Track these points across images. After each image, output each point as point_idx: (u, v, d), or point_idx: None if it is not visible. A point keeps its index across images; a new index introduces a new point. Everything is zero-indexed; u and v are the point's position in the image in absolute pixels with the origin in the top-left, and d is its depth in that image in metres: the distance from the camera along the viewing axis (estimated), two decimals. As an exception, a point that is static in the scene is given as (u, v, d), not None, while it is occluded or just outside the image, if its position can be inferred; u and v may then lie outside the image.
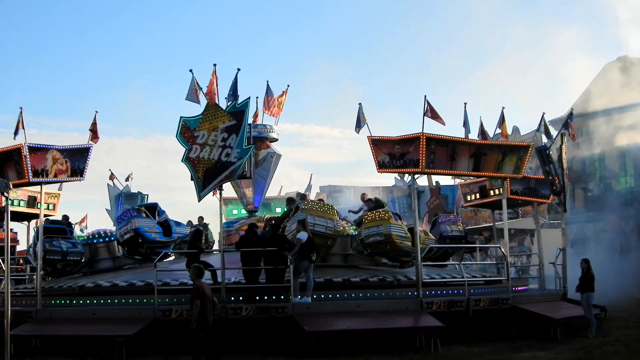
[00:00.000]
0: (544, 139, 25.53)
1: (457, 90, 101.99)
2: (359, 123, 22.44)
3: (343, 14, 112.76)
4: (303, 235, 20.11)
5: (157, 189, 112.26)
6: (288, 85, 29.16)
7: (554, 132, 24.71)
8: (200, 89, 21.82)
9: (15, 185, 20.80)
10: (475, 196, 27.99)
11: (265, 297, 19.94)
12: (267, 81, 28.51)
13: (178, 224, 27.02)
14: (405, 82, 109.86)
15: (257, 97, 28.27)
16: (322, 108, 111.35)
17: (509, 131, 25.34)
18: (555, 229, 34.85)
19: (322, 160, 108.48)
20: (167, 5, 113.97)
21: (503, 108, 24.55)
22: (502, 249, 23.34)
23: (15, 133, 21.85)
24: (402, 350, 18.35)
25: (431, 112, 21.58)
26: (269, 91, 28.33)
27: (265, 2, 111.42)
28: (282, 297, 19.98)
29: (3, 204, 19.60)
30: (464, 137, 23.02)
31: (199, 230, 21.35)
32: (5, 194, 14.67)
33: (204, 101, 21.23)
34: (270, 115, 28.69)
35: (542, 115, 24.73)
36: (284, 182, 62.92)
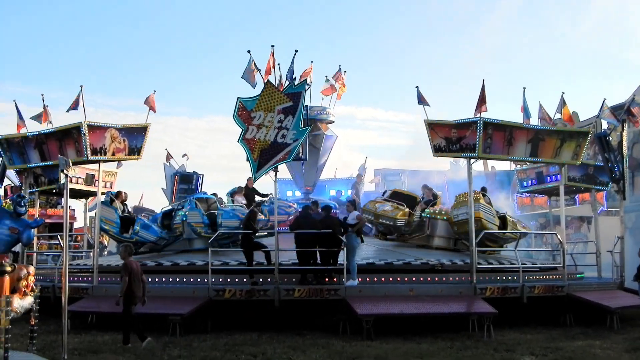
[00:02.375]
0: (604, 125, 25.10)
1: (516, 74, 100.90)
2: (421, 102, 22.09)
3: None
4: (355, 213, 20.54)
5: (211, 169, 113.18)
6: (339, 66, 29.24)
7: (614, 119, 24.16)
8: (258, 70, 21.84)
9: (74, 163, 21.10)
10: (532, 182, 27.69)
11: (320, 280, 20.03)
12: (340, 65, 28.72)
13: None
14: (463, 66, 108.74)
15: (326, 76, 28.38)
16: (377, 90, 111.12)
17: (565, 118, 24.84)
18: (613, 216, 34.22)
19: (376, 143, 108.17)
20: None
21: (563, 93, 24.15)
22: (559, 236, 23.04)
23: (72, 109, 22.03)
24: (454, 335, 18.25)
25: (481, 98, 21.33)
26: (336, 74, 28.46)
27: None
28: (334, 279, 20.02)
29: (62, 182, 19.87)
30: (522, 122, 22.70)
31: (254, 212, 21.38)
32: (65, 171, 14.82)
33: (259, 83, 21.28)
34: (337, 97, 28.85)
35: (603, 101, 24.32)
36: (338, 165, 62.79)
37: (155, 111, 22.96)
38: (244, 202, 25.86)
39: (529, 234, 28.69)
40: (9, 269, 13.64)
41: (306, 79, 20.54)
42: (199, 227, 23.87)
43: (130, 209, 26.24)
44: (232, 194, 26.71)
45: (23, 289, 13.77)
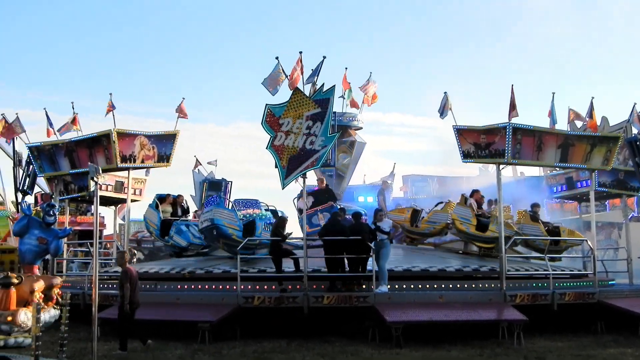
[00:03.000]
0: (635, 130, 24.86)
1: (545, 79, 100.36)
2: (443, 110, 22.10)
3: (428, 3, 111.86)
4: (389, 222, 20.58)
5: (239, 176, 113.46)
6: (370, 74, 29.11)
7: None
8: (287, 76, 21.86)
9: (104, 171, 21.23)
10: (562, 188, 27.50)
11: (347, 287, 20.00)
12: (370, 73, 28.68)
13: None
14: (490, 71, 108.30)
15: (346, 91, 28.25)
16: (404, 96, 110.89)
17: (598, 122, 24.64)
18: (644, 222, 33.89)
19: (404, 148, 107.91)
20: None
21: (592, 98, 23.93)
22: (589, 243, 22.84)
23: (108, 113, 22.22)
24: (484, 343, 18.14)
25: (512, 103, 21.23)
26: (368, 80, 28.41)
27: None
28: (363, 286, 19.97)
29: (92, 189, 20.00)
30: (549, 127, 22.57)
31: (283, 219, 21.38)
32: (95, 179, 14.91)
33: (283, 90, 21.31)
34: (368, 105, 28.81)
35: (633, 106, 24.07)
36: (366, 171, 62.73)
37: (187, 117, 23.06)
38: (171, 210, 25.70)
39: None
40: (15, 280, 13.56)
41: (334, 85, 20.43)
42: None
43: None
44: (159, 199, 26.09)
45: (37, 300, 13.60)
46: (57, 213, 15.32)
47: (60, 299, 14.38)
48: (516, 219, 24.27)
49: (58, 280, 14.53)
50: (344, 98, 28.07)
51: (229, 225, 22.11)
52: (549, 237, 23.55)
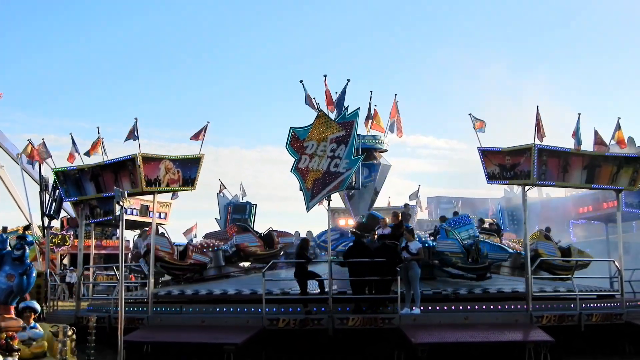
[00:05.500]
0: (661, 150, 24.69)
1: (569, 100, 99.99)
2: (476, 131, 21.92)
3: (453, 23, 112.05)
4: (418, 244, 20.39)
5: (264, 199, 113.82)
6: (395, 94, 29.01)
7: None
8: (313, 99, 21.88)
9: (130, 195, 21.32)
10: (588, 208, 27.33)
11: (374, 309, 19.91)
12: (395, 94, 28.56)
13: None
14: (514, 92, 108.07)
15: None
16: (428, 118, 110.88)
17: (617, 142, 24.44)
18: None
19: (427, 170, 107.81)
20: (276, 17, 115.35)
21: (619, 118, 23.76)
22: (616, 263, 22.66)
23: (128, 139, 22.28)
24: (511, 365, 18.02)
25: (539, 123, 21.17)
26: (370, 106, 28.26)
27: (370, 13, 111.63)
28: (389, 307, 19.90)
29: (118, 213, 20.08)
30: (574, 148, 22.44)
31: (306, 240, 21.40)
32: (121, 203, 14.95)
33: (307, 113, 21.34)
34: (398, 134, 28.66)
35: (660, 125, 23.93)
36: (390, 193, 62.73)
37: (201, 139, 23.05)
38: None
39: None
40: None
41: (358, 108, 20.44)
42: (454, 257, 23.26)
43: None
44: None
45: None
46: (27, 246, 14.53)
47: (10, 344, 13.43)
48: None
49: (15, 323, 13.74)
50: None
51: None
52: (571, 259, 23.52)
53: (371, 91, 27.54)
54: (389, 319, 19.23)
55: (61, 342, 13.68)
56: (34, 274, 14.31)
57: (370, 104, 27.16)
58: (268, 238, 27.04)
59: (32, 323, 14.72)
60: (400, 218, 22.94)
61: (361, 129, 24.71)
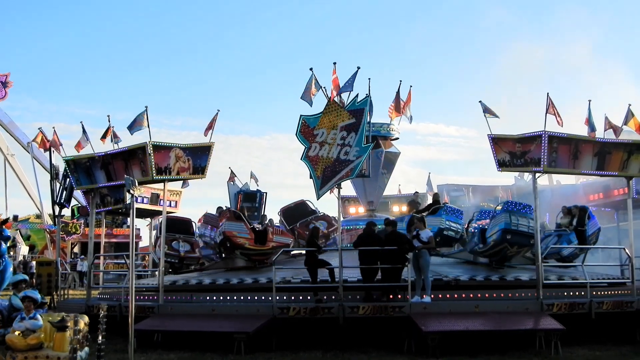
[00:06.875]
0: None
1: (580, 86, 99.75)
2: (487, 117, 21.86)
3: (462, 11, 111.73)
4: (429, 233, 20.56)
5: (274, 187, 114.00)
6: (411, 86, 28.79)
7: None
8: (321, 87, 21.81)
9: (140, 183, 21.35)
10: (599, 196, 27.24)
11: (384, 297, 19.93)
12: (400, 81, 28.32)
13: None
14: (524, 80, 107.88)
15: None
16: (438, 105, 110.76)
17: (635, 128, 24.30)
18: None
19: (438, 158, 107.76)
20: (286, 5, 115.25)
21: (630, 105, 23.66)
22: (627, 251, 22.60)
23: (135, 129, 22.22)
24: (521, 353, 17.97)
25: (553, 110, 21.14)
26: (398, 93, 28.09)
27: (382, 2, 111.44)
28: (399, 296, 19.90)
29: (128, 201, 20.09)
30: (587, 135, 22.36)
31: (317, 229, 21.40)
32: (131, 191, 14.97)
33: (317, 101, 21.25)
34: (405, 116, 28.46)
35: (673, 112, 23.79)
36: (400, 181, 62.74)
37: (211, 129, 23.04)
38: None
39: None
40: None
41: (369, 95, 20.40)
42: None
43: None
44: None
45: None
46: (2, 241, 14.38)
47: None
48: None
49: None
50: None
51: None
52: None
53: (369, 78, 27.34)
54: (399, 307, 19.22)
55: (73, 330, 13.71)
56: (10, 269, 14.37)
57: (369, 88, 27.17)
58: (262, 234, 25.53)
59: (32, 313, 14.77)
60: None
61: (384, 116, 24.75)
